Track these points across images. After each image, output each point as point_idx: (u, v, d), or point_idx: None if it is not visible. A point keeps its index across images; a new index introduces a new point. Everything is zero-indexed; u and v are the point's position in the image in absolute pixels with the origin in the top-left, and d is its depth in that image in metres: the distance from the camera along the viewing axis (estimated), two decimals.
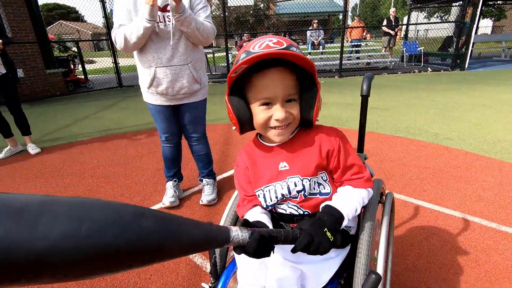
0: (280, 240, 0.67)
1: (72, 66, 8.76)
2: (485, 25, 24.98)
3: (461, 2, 8.99)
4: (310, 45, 10.71)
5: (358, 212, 0.81)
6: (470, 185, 2.25)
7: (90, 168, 2.91)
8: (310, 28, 10.81)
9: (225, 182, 2.51)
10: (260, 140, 0.88)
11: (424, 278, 1.42)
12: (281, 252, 0.79)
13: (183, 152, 2.23)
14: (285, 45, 0.70)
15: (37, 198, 0.35)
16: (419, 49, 10.10)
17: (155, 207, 2.18)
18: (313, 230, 0.69)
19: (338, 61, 8.79)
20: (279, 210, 0.86)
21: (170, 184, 2.20)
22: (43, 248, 0.33)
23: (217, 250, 0.95)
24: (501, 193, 2.12)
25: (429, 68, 9.13)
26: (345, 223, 0.77)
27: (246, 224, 0.69)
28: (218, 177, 2.51)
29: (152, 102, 1.92)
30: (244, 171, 0.88)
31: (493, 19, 23.97)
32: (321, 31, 10.71)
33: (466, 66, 8.78)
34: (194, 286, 1.46)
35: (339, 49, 8.78)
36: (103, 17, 7.98)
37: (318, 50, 10.33)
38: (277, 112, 0.75)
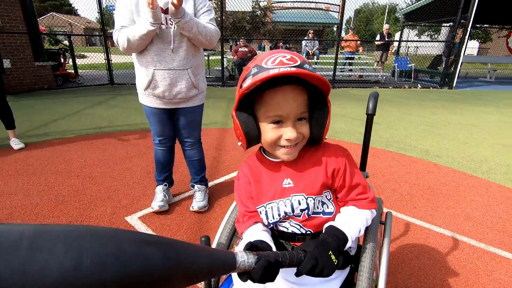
0: (285, 264, 0.64)
1: (62, 59, 8.56)
2: (472, 46, 25.97)
3: (451, 24, 9.30)
4: (304, 54, 10.82)
5: (362, 233, 0.80)
6: (458, 204, 2.29)
7: (76, 167, 2.81)
8: (305, 38, 10.94)
9: (216, 189, 2.46)
10: (264, 155, 0.85)
11: None
12: (281, 273, 0.76)
13: (175, 156, 2.18)
14: (298, 62, 0.68)
15: (31, 229, 0.31)
16: (410, 65, 10.36)
17: (144, 211, 2.11)
18: (318, 253, 0.67)
19: (332, 72, 8.91)
20: (281, 228, 0.84)
21: (160, 188, 2.14)
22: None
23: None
24: (488, 213, 2.16)
25: (418, 85, 9.36)
26: (348, 245, 0.75)
27: (251, 246, 0.66)
28: (210, 183, 2.47)
29: (148, 104, 1.88)
30: (245, 186, 0.85)
31: (479, 41, 24.93)
32: (316, 42, 10.86)
33: (454, 84, 9.05)
34: None
35: (333, 60, 8.92)
36: (98, 12, 7.85)
37: (312, 60, 10.46)
38: (289, 132, 0.72)
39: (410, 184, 2.60)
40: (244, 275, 0.59)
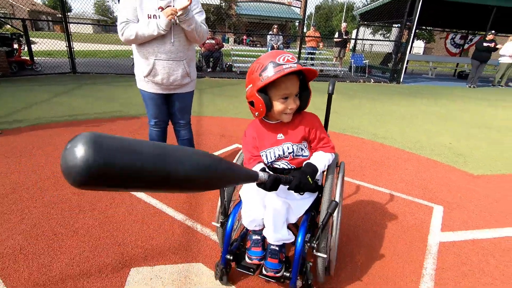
0: (283, 182, 1.08)
1: (17, 45, 8.06)
2: (418, 46, 28.57)
3: (399, 25, 10.38)
4: (269, 48, 11.31)
5: (326, 167, 1.26)
6: (396, 171, 2.92)
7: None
8: (270, 32, 11.41)
9: None
10: (265, 120, 1.27)
11: (361, 228, 1.95)
12: (276, 192, 1.20)
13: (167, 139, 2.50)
14: (296, 60, 1.11)
15: (168, 147, 0.73)
16: (364, 61, 11.37)
17: None
18: (301, 177, 1.12)
19: None
20: (275, 165, 1.27)
21: None
22: (172, 173, 0.71)
23: (226, 195, 1.31)
24: (417, 177, 2.81)
25: (372, 79, 10.36)
26: (319, 173, 1.20)
27: (261, 170, 1.11)
28: None
29: (147, 89, 2.18)
30: (251, 139, 1.27)
31: (424, 41, 27.52)
32: (281, 36, 11.39)
33: (401, 80, 10.18)
34: (187, 242, 1.78)
35: (296, 55, 9.52)
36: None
37: None
38: (292, 104, 1.16)
39: (361, 159, 3.19)
40: (261, 185, 1.02)
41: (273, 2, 23.95)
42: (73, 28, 8.30)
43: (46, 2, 45.61)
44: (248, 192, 1.24)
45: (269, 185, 1.01)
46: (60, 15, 7.94)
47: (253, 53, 11.54)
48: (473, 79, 10.10)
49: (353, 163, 3.07)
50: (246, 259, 1.27)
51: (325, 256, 1.19)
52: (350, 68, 11.68)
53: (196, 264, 1.60)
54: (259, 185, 1.03)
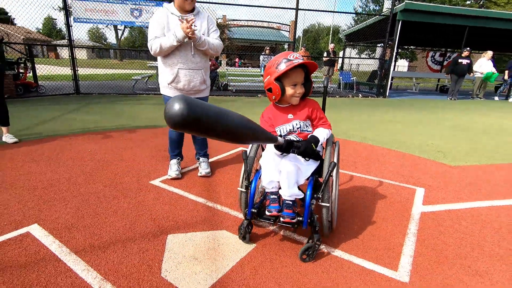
0: (294, 146, 1.47)
1: (24, 69, 8.47)
2: (403, 65, 30.09)
3: (382, 44, 11.21)
4: (262, 68, 11.97)
5: (325, 139, 1.65)
6: (383, 165, 3.32)
7: (87, 155, 3.30)
8: (263, 53, 12.13)
9: (214, 163, 3.17)
10: (278, 105, 1.68)
11: (355, 206, 2.30)
12: (288, 158, 1.58)
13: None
14: (301, 58, 1.53)
15: (228, 111, 1.13)
16: (352, 78, 12.11)
17: (162, 178, 2.75)
18: (307, 145, 1.51)
19: None
20: (287, 138, 1.66)
21: (174, 161, 2.81)
22: (220, 126, 1.09)
23: (248, 166, 1.68)
24: (400, 168, 3.22)
25: (360, 94, 11.02)
26: (320, 143, 1.59)
27: (279, 136, 1.50)
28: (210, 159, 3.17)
29: (170, 94, 2.57)
30: (268, 119, 1.67)
31: (408, 60, 29.03)
32: (273, 57, 12.10)
33: (387, 94, 10.85)
34: (211, 216, 2.11)
35: None
36: (65, 24, 8.04)
37: None
38: (300, 89, 1.59)
39: (354, 157, 3.59)
40: (278, 147, 1.40)
41: (263, 27, 25.26)
42: (65, 54, 8.74)
43: (41, 30, 46.80)
44: (267, 160, 1.61)
45: (285, 146, 1.39)
46: (54, 42, 8.40)
47: (247, 72, 12.19)
48: (453, 92, 10.85)
49: (346, 159, 3.47)
50: (266, 213, 1.62)
51: (328, 205, 1.55)
52: (339, 85, 12.39)
53: (221, 231, 1.93)
54: (276, 147, 1.40)
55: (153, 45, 2.35)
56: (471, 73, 10.77)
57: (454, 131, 5.24)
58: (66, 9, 7.94)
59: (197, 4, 2.50)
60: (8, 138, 3.62)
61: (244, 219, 1.75)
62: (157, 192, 2.46)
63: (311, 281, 1.50)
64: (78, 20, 8.32)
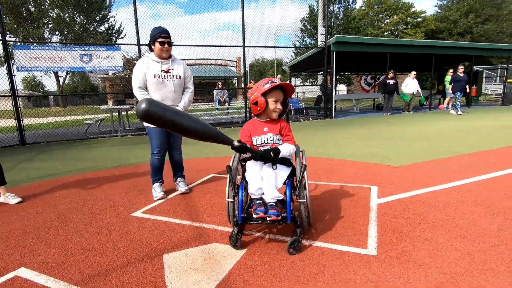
0: (250, 151, 1.79)
1: None
2: (342, 89, 33.35)
3: (322, 73, 12.56)
4: (217, 102, 12.48)
5: (290, 153, 2.02)
6: (338, 173, 3.79)
7: (57, 199, 3.22)
8: (216, 88, 12.71)
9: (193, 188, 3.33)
10: (258, 119, 2.05)
11: (321, 206, 2.65)
12: (266, 165, 1.89)
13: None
14: (280, 81, 1.92)
15: (181, 112, 1.54)
16: (300, 104, 13.17)
17: (141, 210, 2.82)
18: (265, 152, 1.87)
19: (243, 115, 10.67)
20: (261, 148, 1.98)
21: (157, 184, 3.06)
22: (185, 125, 1.47)
23: (233, 178, 1.94)
24: (357, 173, 3.71)
25: (310, 118, 11.99)
26: (281, 154, 1.94)
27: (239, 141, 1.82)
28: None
29: (154, 126, 2.78)
30: (247, 131, 2.02)
31: (346, 84, 32.33)
32: (226, 90, 12.73)
33: (333, 115, 11.99)
34: (199, 233, 2.27)
35: (243, 105, 10.73)
36: (7, 73, 7.70)
37: (224, 106, 12.16)
38: (279, 105, 1.96)
39: (316, 169, 4.02)
40: (235, 148, 1.74)
41: (211, 64, 26.41)
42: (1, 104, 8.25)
43: None
44: (251, 172, 1.91)
45: (238, 148, 1.74)
46: None
47: (201, 107, 12.56)
48: (387, 108, 12.40)
49: (310, 172, 3.81)
50: (254, 216, 1.87)
51: (304, 200, 1.86)
52: (290, 111, 13.34)
53: (212, 244, 2.10)
54: (233, 148, 1.74)
55: (139, 97, 2.74)
56: (399, 92, 12.51)
57: (392, 140, 6.08)
58: (8, 60, 7.65)
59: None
60: (10, 198, 3.14)
61: (234, 227, 1.97)
62: (141, 222, 2.54)
63: (300, 269, 1.76)
64: (22, 69, 8.03)
